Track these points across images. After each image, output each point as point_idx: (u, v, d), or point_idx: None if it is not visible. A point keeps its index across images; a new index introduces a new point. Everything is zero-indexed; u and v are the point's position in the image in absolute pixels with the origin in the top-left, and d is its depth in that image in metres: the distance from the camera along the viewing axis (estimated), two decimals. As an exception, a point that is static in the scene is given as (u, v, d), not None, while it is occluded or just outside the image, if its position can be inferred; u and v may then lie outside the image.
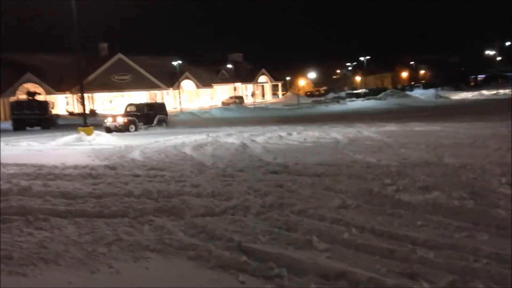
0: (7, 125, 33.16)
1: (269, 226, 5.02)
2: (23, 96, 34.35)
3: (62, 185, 7.69)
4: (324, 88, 78.83)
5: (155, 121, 26.59)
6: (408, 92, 58.09)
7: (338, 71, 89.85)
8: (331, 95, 67.62)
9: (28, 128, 30.31)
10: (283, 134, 16.85)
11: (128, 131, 23.87)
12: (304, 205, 5.80)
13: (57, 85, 47.87)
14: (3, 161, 11.06)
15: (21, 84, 45.16)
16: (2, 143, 17.23)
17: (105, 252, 4.34)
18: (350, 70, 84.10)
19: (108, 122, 25.03)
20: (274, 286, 3.50)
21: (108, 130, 23.78)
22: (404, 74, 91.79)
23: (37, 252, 4.34)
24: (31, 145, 16.68)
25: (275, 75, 75.70)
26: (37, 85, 45.28)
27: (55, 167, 9.96)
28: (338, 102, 52.27)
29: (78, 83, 25.61)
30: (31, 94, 32.91)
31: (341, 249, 4.26)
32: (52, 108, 33.50)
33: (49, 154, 13.48)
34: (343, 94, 64.73)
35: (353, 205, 5.78)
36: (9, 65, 45.97)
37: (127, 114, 25.61)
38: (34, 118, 30.95)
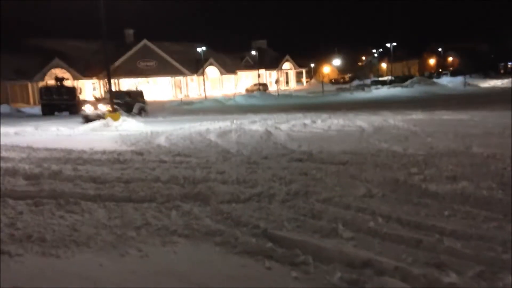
0: (37, 110, 34.00)
1: (294, 213, 5.05)
2: (51, 82, 35.02)
3: (91, 169, 7.88)
4: (349, 75, 77.92)
5: (134, 109, 24.87)
6: (435, 80, 56.92)
7: (363, 58, 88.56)
8: (356, 82, 66.77)
9: (56, 113, 30.97)
10: (307, 121, 16.77)
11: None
12: (329, 193, 5.80)
13: (84, 71, 48.70)
14: (34, 145, 11.38)
15: (49, 69, 46.07)
16: (32, 127, 17.73)
17: (134, 236, 4.46)
18: (376, 57, 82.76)
19: (88, 110, 22.46)
20: (299, 273, 3.54)
21: (87, 119, 21.43)
22: (432, 61, 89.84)
23: (69, 235, 4.49)
24: (60, 130, 17.08)
25: (300, 62, 75.09)
26: (65, 71, 46.12)
27: (84, 151, 10.19)
28: (363, 89, 51.57)
29: (105, 69, 25.81)
30: (59, 79, 33.52)
31: (367, 238, 4.27)
32: (80, 94, 34.06)
33: (78, 139, 13.79)
34: (368, 81, 63.82)
35: (379, 194, 5.75)
36: (38, 51, 46.94)
37: (106, 102, 23.09)
38: (62, 103, 31.56)
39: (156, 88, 54.07)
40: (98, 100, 23.89)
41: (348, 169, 7.38)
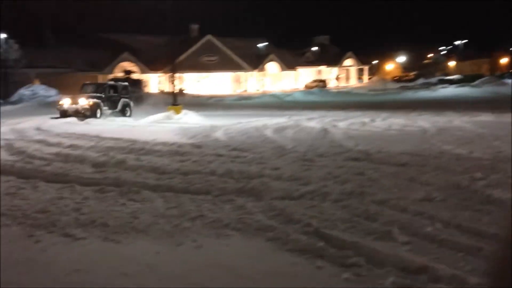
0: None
1: (348, 214, 4.99)
2: (120, 74, 36.64)
3: (152, 160, 8.20)
4: (414, 73, 75.20)
5: (119, 106, 21.30)
6: (507, 80, 53.65)
7: (430, 55, 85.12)
8: (421, 80, 64.29)
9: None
10: (366, 120, 16.43)
11: (95, 116, 19.24)
12: (385, 195, 5.67)
13: (151, 65, 50.47)
14: (101, 134, 12.01)
15: (118, 62, 48.19)
16: (101, 118, 18.75)
17: (189, 227, 4.60)
18: (444, 54, 79.23)
19: (65, 104, 19.89)
20: (351, 274, 3.50)
21: (64, 114, 19.43)
22: (504, 61, 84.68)
23: (129, 222, 4.71)
24: (125, 120, 17.88)
25: (362, 59, 73.44)
26: (133, 64, 48.05)
27: (146, 142, 10.60)
28: (428, 88, 49.61)
29: (170, 64, 26.31)
30: (127, 72, 34.99)
31: (423, 243, 4.14)
32: (145, 87, 35.36)
33: (141, 130, 14.37)
34: (434, 80, 61.26)
35: (439, 198, 5.55)
36: (109, 45, 49.25)
37: (87, 96, 20.13)
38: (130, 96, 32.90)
39: (216, 82, 55.05)
40: (79, 96, 20.11)
41: (407, 170, 7.17)
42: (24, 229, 4.52)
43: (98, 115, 19.46)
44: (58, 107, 20.18)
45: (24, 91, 35.08)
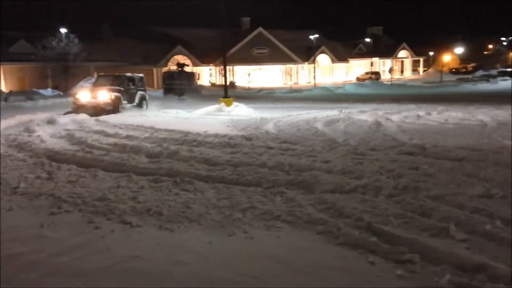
0: (159, 93, 36.81)
1: (402, 209, 4.87)
2: (173, 67, 37.48)
3: (204, 151, 8.35)
4: (473, 64, 71.84)
5: (136, 99, 19.96)
6: None
7: (490, 46, 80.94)
8: (480, 72, 61.35)
9: (176, 97, 33.18)
10: (421, 113, 15.90)
11: (118, 111, 17.64)
12: (441, 190, 5.48)
13: (202, 58, 51.28)
14: (156, 126, 12.37)
15: (172, 56, 49.32)
16: (155, 110, 19.32)
17: (240, 218, 4.66)
18: (505, 45, 75.09)
19: (83, 99, 17.69)
20: (405, 271, 3.42)
21: (79, 109, 16.92)
22: None
23: (182, 211, 4.84)
24: (178, 112, 18.27)
25: (417, 50, 71.00)
26: (185, 57, 49.02)
27: (199, 134, 10.80)
28: (487, 80, 47.28)
29: (221, 56, 26.63)
30: (181, 65, 35.73)
31: (482, 241, 3.98)
32: (198, 79, 35.97)
33: (193, 122, 14.65)
34: (494, 72, 58.26)
35: (499, 195, 5.30)
36: (163, 38, 50.51)
37: (108, 89, 18.38)
38: (182, 88, 33.70)
39: (266, 75, 55.11)
40: (98, 88, 18.44)
41: (465, 166, 6.89)
42: (84, 216, 4.75)
43: (119, 110, 17.92)
44: (74, 101, 17.98)
45: (84, 83, 36.67)
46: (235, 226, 4.43)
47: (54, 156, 8.16)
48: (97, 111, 16.74)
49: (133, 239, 4.13)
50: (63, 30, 39.80)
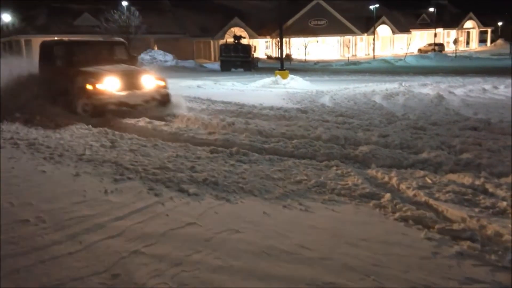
0: (216, 65, 37.21)
1: (462, 186, 4.70)
2: (230, 40, 37.64)
3: (259, 123, 8.40)
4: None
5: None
6: None
7: None
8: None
9: (233, 69, 33.38)
10: (487, 87, 15.08)
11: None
12: (506, 168, 5.23)
13: (259, 30, 51.01)
14: (212, 97, 12.57)
15: (229, 28, 49.44)
16: (211, 81, 19.54)
17: (295, 190, 4.69)
18: None
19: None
20: (464, 248, 3.32)
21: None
22: None
23: (237, 182, 4.93)
24: (234, 85, 18.43)
25: (485, 20, 66.65)
26: (242, 29, 48.99)
27: (254, 106, 10.87)
28: None
29: (278, 28, 26.32)
30: (237, 38, 35.79)
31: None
32: (254, 52, 35.92)
33: (249, 94, 14.73)
34: None
35: None
36: (220, 10, 50.65)
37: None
38: (238, 61, 33.81)
39: (324, 47, 54.01)
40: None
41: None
42: (145, 183, 4.96)
43: None
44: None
45: (144, 56, 37.71)
46: (290, 198, 4.46)
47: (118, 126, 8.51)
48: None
49: (191, 206, 4.27)
50: (124, 3, 40.88)
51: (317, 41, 53.40)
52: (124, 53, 11.13)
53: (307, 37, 51.75)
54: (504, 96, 12.68)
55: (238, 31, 46.11)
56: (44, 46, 11.14)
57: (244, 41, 38.61)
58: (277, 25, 28.37)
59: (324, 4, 53.36)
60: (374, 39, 51.61)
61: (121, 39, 13.16)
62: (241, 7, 52.46)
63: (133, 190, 4.71)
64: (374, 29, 53.43)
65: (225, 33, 48.61)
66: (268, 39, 51.79)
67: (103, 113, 8.78)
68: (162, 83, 9.79)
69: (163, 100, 9.58)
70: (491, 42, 67.95)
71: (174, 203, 4.34)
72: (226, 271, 3.02)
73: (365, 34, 54.89)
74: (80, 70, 9.49)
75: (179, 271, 3.01)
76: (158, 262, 3.14)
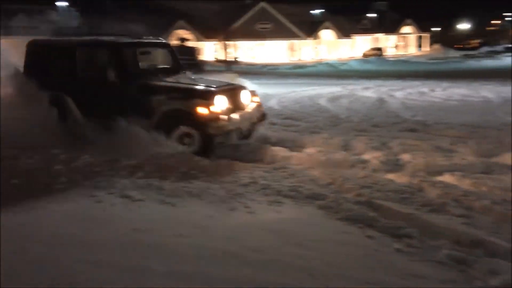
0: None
1: (402, 185, 4.90)
2: (175, 42, 37.11)
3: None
4: (478, 41, 70.88)
5: None
6: None
7: (495, 22, 79.72)
8: (485, 49, 60.56)
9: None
10: (425, 90, 15.84)
11: None
12: (439, 167, 5.52)
13: (206, 32, 50.71)
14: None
15: (174, 30, 48.79)
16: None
17: (242, 193, 4.69)
18: (509, 21, 73.94)
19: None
20: (402, 245, 3.46)
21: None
22: None
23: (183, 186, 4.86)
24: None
25: (422, 26, 70.03)
26: (188, 32, 48.51)
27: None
28: (492, 57, 46.72)
29: (225, 32, 26.20)
30: (182, 40, 35.39)
31: (480, 217, 4.03)
32: (199, 55, 35.66)
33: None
34: (499, 48, 57.50)
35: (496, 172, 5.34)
36: (164, 11, 49.87)
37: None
38: (184, 63, 33.42)
39: (270, 51, 54.58)
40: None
41: (466, 143, 6.90)
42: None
43: None
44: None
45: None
46: (236, 201, 4.45)
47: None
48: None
49: (135, 212, 4.17)
50: (62, 4, 39.42)
51: (264, 45, 53.87)
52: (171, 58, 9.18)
53: (254, 40, 52.07)
54: (440, 99, 13.35)
55: (183, 33, 45.63)
56: (52, 48, 8.12)
57: (189, 44, 38.28)
58: (224, 28, 28.34)
59: (269, 8, 53.88)
60: (318, 43, 52.75)
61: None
62: (186, 9, 51.87)
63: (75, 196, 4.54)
64: (318, 33, 54.62)
65: (169, 35, 47.97)
66: (216, 42, 51.67)
67: (215, 146, 6.47)
68: (257, 99, 7.45)
69: (261, 120, 7.43)
70: (429, 47, 71.40)
71: (116, 209, 4.22)
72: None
73: (310, 38, 56.03)
74: (164, 85, 6.98)
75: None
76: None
